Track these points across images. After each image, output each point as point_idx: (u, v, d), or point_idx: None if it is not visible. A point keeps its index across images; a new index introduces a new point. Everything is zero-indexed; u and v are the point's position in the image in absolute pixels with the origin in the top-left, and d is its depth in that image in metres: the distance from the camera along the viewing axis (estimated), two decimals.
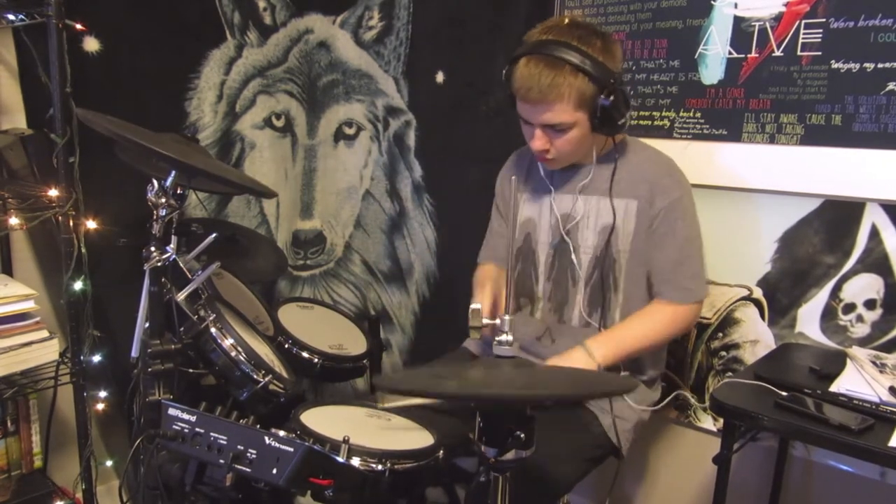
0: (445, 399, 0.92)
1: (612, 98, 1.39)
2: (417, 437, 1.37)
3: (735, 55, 1.67)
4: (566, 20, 1.47)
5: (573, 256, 1.57)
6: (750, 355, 1.74)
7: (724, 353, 1.80)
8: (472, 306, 1.16)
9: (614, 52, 1.43)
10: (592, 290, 1.56)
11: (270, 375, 1.42)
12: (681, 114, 1.78)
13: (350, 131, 2.43)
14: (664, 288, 1.52)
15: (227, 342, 1.40)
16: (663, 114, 1.81)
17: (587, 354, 1.43)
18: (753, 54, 1.65)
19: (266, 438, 1.15)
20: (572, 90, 1.39)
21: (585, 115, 1.42)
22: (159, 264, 1.29)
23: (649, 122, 1.84)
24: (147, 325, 1.33)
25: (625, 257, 1.53)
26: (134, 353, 1.41)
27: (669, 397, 1.62)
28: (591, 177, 1.55)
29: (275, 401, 1.44)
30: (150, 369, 1.31)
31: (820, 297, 1.63)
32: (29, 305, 1.63)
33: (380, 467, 1.25)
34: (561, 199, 1.60)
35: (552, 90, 1.38)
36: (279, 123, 2.29)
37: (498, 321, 1.07)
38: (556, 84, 1.38)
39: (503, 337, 1.06)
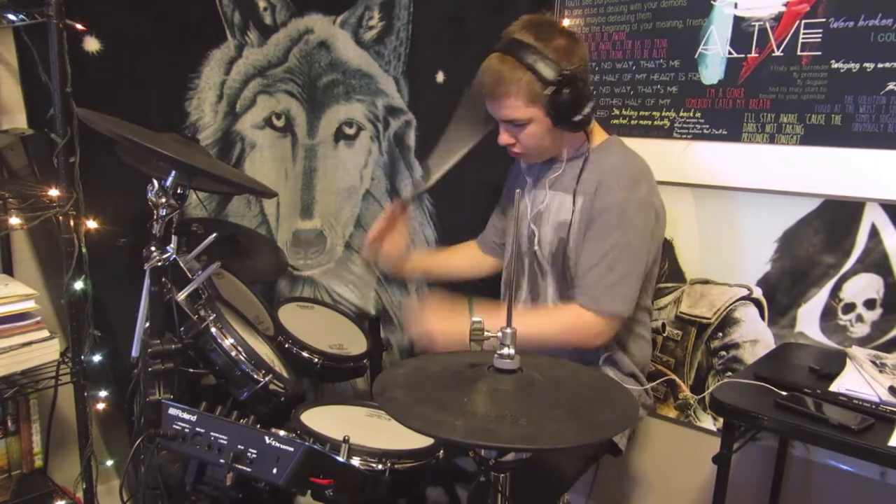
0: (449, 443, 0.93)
1: (564, 94, 1.40)
2: (417, 437, 1.37)
3: (735, 55, 1.68)
4: (533, 18, 1.49)
5: (539, 251, 1.59)
6: (750, 355, 1.75)
7: (723, 353, 1.80)
8: (474, 319, 1.16)
9: (574, 51, 1.44)
10: (557, 284, 1.57)
11: (270, 375, 1.42)
12: (681, 114, 1.78)
13: (350, 131, 2.43)
14: (576, 291, 1.47)
15: (228, 342, 1.41)
16: (663, 114, 1.81)
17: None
18: (753, 54, 1.65)
19: (266, 438, 1.15)
20: (520, 86, 1.42)
21: (540, 111, 1.44)
22: (159, 264, 1.29)
23: (649, 122, 1.84)
24: (147, 325, 1.33)
25: (576, 254, 1.52)
26: (134, 352, 1.41)
27: (660, 380, 1.61)
28: (562, 172, 1.56)
29: (275, 401, 1.44)
30: (150, 369, 1.31)
31: (820, 297, 1.63)
32: (29, 305, 1.63)
33: (380, 467, 1.25)
34: (535, 193, 1.62)
35: (498, 86, 1.43)
36: (279, 123, 2.29)
37: (500, 334, 1.06)
38: (503, 80, 1.42)
39: (505, 350, 1.05)
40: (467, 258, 1.87)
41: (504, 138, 1.52)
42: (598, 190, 1.47)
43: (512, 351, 1.05)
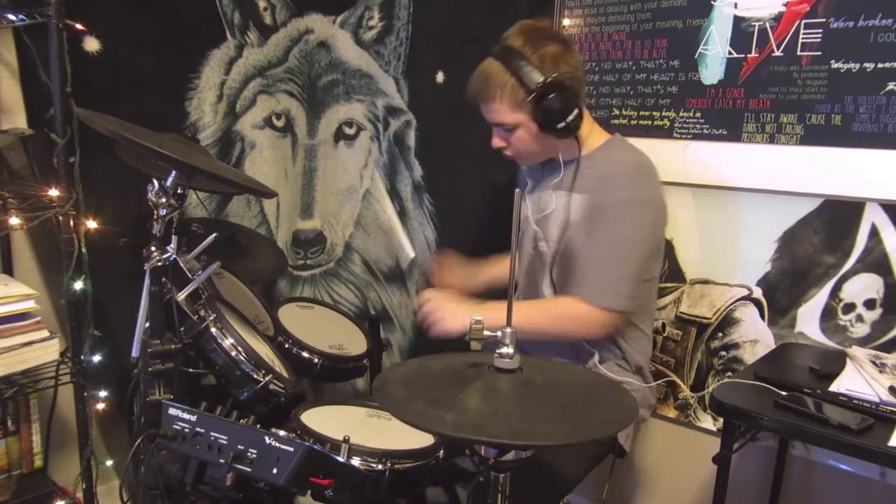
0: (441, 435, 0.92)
1: (548, 100, 1.41)
2: (417, 437, 1.37)
3: (735, 55, 1.68)
4: (527, 24, 1.50)
5: (543, 250, 1.60)
6: (750, 355, 1.75)
7: (723, 353, 1.80)
8: (474, 318, 1.16)
9: (563, 58, 1.44)
10: (557, 283, 1.57)
11: (270, 375, 1.42)
12: (681, 114, 1.78)
13: (350, 131, 2.43)
14: (578, 285, 1.47)
15: (228, 342, 1.41)
16: (663, 114, 1.81)
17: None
18: (753, 54, 1.65)
19: (266, 438, 1.15)
20: (504, 92, 1.46)
21: (527, 117, 1.47)
22: (160, 264, 1.29)
23: (649, 122, 1.84)
24: (147, 324, 1.33)
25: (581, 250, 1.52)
26: (134, 352, 1.41)
27: (662, 380, 1.61)
28: (562, 175, 1.57)
29: (275, 401, 1.44)
30: (150, 369, 1.31)
31: (820, 297, 1.63)
32: (29, 305, 1.63)
33: (380, 467, 1.25)
34: (541, 195, 1.63)
35: (483, 90, 1.48)
36: (279, 123, 2.29)
37: (499, 333, 1.06)
38: (489, 84, 1.47)
39: (504, 350, 1.05)
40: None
41: (496, 142, 1.57)
42: (602, 186, 1.48)
43: (511, 350, 1.05)
